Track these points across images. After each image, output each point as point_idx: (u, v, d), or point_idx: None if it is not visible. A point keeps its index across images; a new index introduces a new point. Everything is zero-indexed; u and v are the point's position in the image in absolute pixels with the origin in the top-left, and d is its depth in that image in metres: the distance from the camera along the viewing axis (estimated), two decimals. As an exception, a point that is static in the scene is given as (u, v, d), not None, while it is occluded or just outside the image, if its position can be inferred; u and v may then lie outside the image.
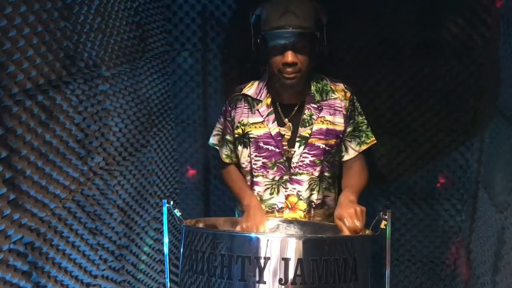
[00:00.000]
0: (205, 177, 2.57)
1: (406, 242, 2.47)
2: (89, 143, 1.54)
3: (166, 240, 1.58)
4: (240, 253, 1.38)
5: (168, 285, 1.67)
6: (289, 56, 1.71)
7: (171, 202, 1.55)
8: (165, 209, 1.54)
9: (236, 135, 1.91)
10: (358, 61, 2.25)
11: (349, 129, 1.89)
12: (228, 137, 1.96)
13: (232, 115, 1.91)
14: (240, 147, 1.92)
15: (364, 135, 1.92)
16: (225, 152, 1.99)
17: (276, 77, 1.78)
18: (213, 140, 2.03)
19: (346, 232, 1.59)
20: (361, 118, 1.92)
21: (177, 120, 2.47)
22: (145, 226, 2.04)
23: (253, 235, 1.48)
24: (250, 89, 1.91)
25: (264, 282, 1.36)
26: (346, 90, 1.88)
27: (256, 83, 1.92)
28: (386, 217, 1.47)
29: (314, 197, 1.87)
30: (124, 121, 1.84)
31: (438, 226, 2.42)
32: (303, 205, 1.86)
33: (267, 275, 1.36)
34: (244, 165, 1.93)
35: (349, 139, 1.91)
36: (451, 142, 2.29)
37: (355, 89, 1.93)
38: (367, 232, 1.60)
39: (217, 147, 2.02)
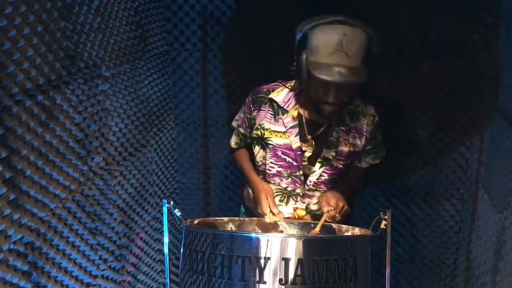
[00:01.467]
0: (205, 177, 2.57)
1: (406, 242, 2.47)
2: (89, 143, 1.54)
3: (166, 240, 1.58)
4: (240, 253, 1.38)
5: (168, 285, 1.67)
6: (331, 97, 1.62)
7: (171, 202, 1.55)
8: (165, 209, 1.54)
9: (254, 135, 1.87)
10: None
11: (368, 147, 1.88)
12: (241, 130, 1.93)
13: (254, 114, 1.84)
14: (257, 147, 1.88)
15: (379, 151, 1.94)
16: (234, 140, 2.00)
17: (312, 100, 1.70)
18: (234, 123, 2.01)
19: (324, 211, 1.72)
20: (380, 137, 1.90)
21: (177, 120, 2.47)
22: (145, 226, 2.04)
23: (253, 235, 1.48)
24: (278, 95, 1.81)
25: (264, 282, 1.36)
26: (375, 115, 1.83)
27: (286, 90, 1.82)
28: (386, 217, 1.47)
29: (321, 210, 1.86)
30: (124, 121, 1.84)
31: (438, 226, 2.42)
32: (308, 217, 1.88)
33: (267, 275, 1.36)
34: (258, 164, 1.92)
35: (365, 154, 1.91)
36: (451, 142, 2.29)
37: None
38: (367, 232, 1.60)
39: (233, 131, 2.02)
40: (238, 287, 1.37)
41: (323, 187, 1.86)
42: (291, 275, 1.36)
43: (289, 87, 1.82)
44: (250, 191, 1.95)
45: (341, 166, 1.84)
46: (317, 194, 1.86)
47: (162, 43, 2.27)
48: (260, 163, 1.91)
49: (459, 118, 2.24)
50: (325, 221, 1.71)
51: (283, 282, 1.35)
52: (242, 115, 1.92)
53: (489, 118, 2.07)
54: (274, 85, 1.85)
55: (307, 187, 1.85)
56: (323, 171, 1.83)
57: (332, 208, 1.71)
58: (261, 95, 1.83)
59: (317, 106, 1.69)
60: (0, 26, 1.09)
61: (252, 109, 1.84)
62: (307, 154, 1.81)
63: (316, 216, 1.88)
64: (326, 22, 1.56)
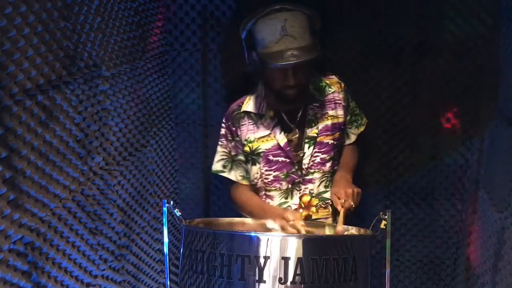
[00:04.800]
0: (205, 177, 2.57)
1: (406, 242, 2.47)
2: (89, 143, 1.54)
3: (166, 240, 1.58)
4: (240, 252, 1.38)
5: (168, 285, 1.67)
6: (291, 80, 1.68)
7: (171, 202, 1.55)
8: (165, 209, 1.54)
9: (246, 153, 1.88)
10: (358, 61, 2.25)
11: (348, 117, 1.93)
12: (240, 157, 1.90)
13: (239, 134, 1.86)
14: (248, 165, 1.90)
15: (359, 118, 1.99)
16: (240, 174, 1.92)
17: (276, 92, 1.75)
18: (216, 167, 1.94)
19: (339, 208, 1.70)
20: (353, 103, 1.96)
21: (177, 120, 2.47)
22: (145, 226, 2.04)
23: (253, 234, 1.49)
24: (249, 105, 1.86)
25: (264, 282, 1.36)
26: (340, 81, 1.91)
27: (253, 97, 1.87)
28: (386, 217, 1.47)
29: (327, 194, 1.89)
30: (124, 121, 1.84)
31: (438, 226, 2.42)
32: (315, 200, 1.88)
33: (267, 274, 1.36)
34: (254, 182, 1.92)
35: (349, 126, 1.96)
36: (451, 142, 2.29)
37: (354, 88, 1.94)
38: (367, 232, 1.61)
39: (224, 173, 1.94)
40: (238, 287, 1.38)
41: (322, 167, 1.87)
42: (290, 275, 1.36)
43: (254, 94, 1.88)
44: None
45: (332, 141, 1.87)
46: (318, 175, 1.87)
47: (162, 43, 2.27)
48: (256, 180, 1.91)
49: (459, 118, 2.24)
50: (345, 215, 1.70)
51: (283, 281, 1.35)
52: (227, 144, 1.90)
53: (489, 118, 2.07)
54: (240, 99, 1.90)
55: (304, 172, 1.86)
56: (315, 151, 1.85)
57: (343, 200, 1.71)
58: (235, 113, 1.87)
59: (281, 94, 1.74)
60: (0, 26, 1.09)
61: (235, 129, 1.87)
62: (294, 142, 1.85)
63: (323, 199, 1.89)
64: (265, 14, 1.66)
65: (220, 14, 2.28)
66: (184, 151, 2.53)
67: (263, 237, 1.40)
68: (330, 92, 1.88)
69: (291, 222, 1.63)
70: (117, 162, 1.77)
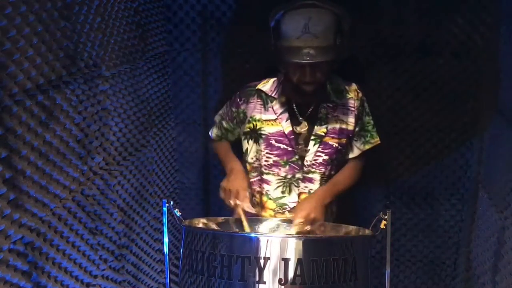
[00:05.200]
0: (205, 177, 2.57)
1: (406, 242, 2.47)
2: (89, 143, 1.54)
3: (166, 240, 1.59)
4: (240, 253, 1.38)
5: (168, 285, 1.67)
6: (308, 76, 1.70)
7: (171, 202, 1.55)
8: (165, 209, 1.54)
9: (247, 129, 1.91)
10: (358, 61, 2.24)
11: (356, 129, 1.91)
12: (224, 123, 2.00)
13: (242, 108, 1.90)
14: (250, 142, 1.92)
15: (369, 135, 1.94)
16: (215, 132, 2.06)
17: (294, 84, 1.76)
18: (216, 117, 2.06)
19: (293, 223, 1.75)
20: (368, 118, 1.93)
21: (177, 120, 2.47)
22: (145, 226, 2.04)
23: (253, 235, 1.49)
24: (265, 86, 1.90)
25: (264, 282, 1.36)
26: (358, 91, 1.90)
27: (272, 80, 1.91)
28: (386, 217, 1.48)
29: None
30: (124, 121, 1.84)
31: (438, 226, 2.42)
32: None
33: (267, 275, 1.36)
34: (252, 161, 1.93)
35: (355, 138, 1.93)
36: (451, 142, 2.29)
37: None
38: (367, 232, 1.61)
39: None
40: (238, 287, 1.38)
41: (322, 169, 1.86)
42: (290, 275, 1.36)
43: (274, 78, 1.91)
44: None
45: (336, 145, 1.86)
46: (317, 177, 1.86)
47: (162, 43, 2.27)
48: (254, 159, 1.92)
49: (459, 118, 2.24)
50: (297, 231, 1.73)
51: (283, 282, 1.36)
52: (226, 108, 2.00)
53: (489, 118, 2.07)
54: (261, 80, 1.93)
55: (305, 169, 1.86)
56: (318, 150, 1.84)
57: (300, 221, 1.73)
58: (248, 88, 1.92)
59: (298, 87, 1.75)
60: (0, 26, 1.09)
61: (240, 103, 1.91)
62: (304, 135, 1.85)
63: None
64: (294, 8, 1.67)
65: (220, 14, 2.28)
66: (184, 151, 2.53)
67: (263, 238, 1.40)
68: (346, 97, 1.88)
69: (236, 204, 1.77)
70: (117, 162, 1.77)
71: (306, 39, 1.63)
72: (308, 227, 1.73)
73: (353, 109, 1.88)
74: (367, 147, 1.95)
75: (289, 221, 1.82)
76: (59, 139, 1.35)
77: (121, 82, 1.81)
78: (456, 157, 2.30)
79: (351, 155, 1.95)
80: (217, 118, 2.05)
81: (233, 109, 1.93)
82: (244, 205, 1.78)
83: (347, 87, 1.89)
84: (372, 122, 1.95)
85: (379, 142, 1.97)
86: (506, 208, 1.72)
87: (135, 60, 1.94)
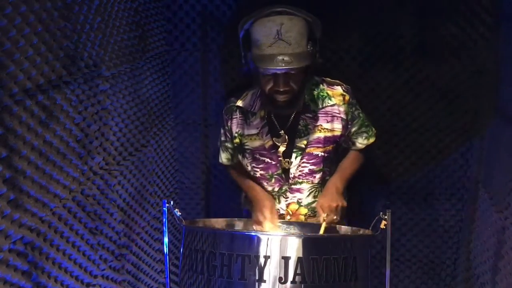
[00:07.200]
0: (205, 177, 2.57)
1: (406, 242, 2.47)
2: (89, 143, 1.54)
3: (166, 240, 1.59)
4: (240, 252, 1.38)
5: (168, 285, 1.67)
6: (281, 86, 1.67)
7: (171, 202, 1.55)
8: (165, 209, 1.54)
9: (236, 145, 1.92)
10: (358, 61, 2.25)
11: (354, 129, 1.88)
12: (228, 144, 1.96)
13: (229, 124, 1.90)
14: (239, 156, 1.94)
15: (369, 129, 1.92)
16: (224, 156, 2.01)
17: (267, 94, 1.74)
18: (219, 141, 2.02)
19: (321, 221, 1.70)
20: (362, 115, 1.89)
21: (177, 120, 2.47)
22: (145, 226, 2.04)
23: (253, 233, 1.49)
24: (244, 101, 1.87)
25: (264, 281, 1.36)
26: (344, 94, 1.82)
27: (250, 94, 1.88)
28: (386, 217, 1.48)
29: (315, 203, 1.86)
30: (124, 121, 1.84)
31: (439, 225, 2.42)
32: (303, 210, 1.88)
33: (267, 274, 1.36)
34: (247, 170, 1.95)
35: (355, 137, 1.91)
36: (451, 142, 2.29)
37: (354, 88, 1.93)
38: (367, 231, 1.61)
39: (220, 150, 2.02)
40: (238, 286, 1.38)
41: (310, 178, 1.85)
42: (291, 274, 1.36)
43: (253, 91, 1.88)
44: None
45: (322, 153, 1.83)
46: (306, 186, 1.86)
47: (162, 43, 2.27)
48: (248, 169, 1.94)
49: (459, 118, 2.24)
50: (327, 227, 1.70)
51: (283, 281, 1.35)
52: (222, 130, 1.97)
53: (489, 118, 2.08)
54: (240, 93, 1.90)
55: (291, 181, 1.85)
56: (302, 162, 1.83)
57: (326, 214, 1.71)
58: (230, 105, 1.90)
59: (271, 97, 1.73)
60: (0, 26, 1.09)
61: (227, 119, 1.90)
62: (282, 148, 1.83)
63: (312, 208, 1.88)
64: (264, 15, 1.64)
65: (220, 14, 2.28)
66: (184, 151, 2.53)
67: (263, 236, 1.40)
68: (328, 104, 1.81)
69: (262, 225, 1.75)
70: (117, 162, 1.77)
71: (279, 46, 1.60)
72: (336, 217, 1.71)
73: (338, 114, 1.81)
74: (371, 140, 1.93)
75: (288, 223, 1.83)
76: (59, 139, 1.35)
77: (121, 82, 1.81)
78: (456, 157, 2.31)
79: (353, 148, 1.94)
80: (219, 143, 2.02)
81: (226, 128, 1.92)
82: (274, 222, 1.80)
83: (330, 92, 1.82)
84: (364, 115, 1.90)
85: (375, 131, 1.95)
86: (506, 208, 1.72)
87: (135, 60, 1.94)
